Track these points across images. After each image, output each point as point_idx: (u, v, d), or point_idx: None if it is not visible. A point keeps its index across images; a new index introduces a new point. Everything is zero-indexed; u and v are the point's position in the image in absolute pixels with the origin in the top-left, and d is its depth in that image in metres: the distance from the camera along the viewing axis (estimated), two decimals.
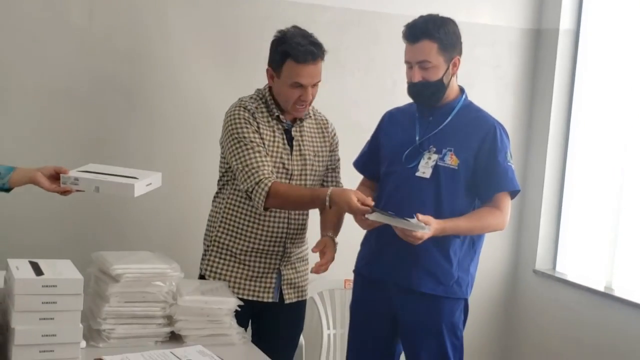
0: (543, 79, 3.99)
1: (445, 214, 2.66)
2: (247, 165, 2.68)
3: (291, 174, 2.80)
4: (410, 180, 2.73)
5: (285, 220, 2.82)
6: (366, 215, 2.60)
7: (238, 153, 2.70)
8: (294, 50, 2.67)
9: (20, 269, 2.14)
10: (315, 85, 2.74)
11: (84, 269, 2.32)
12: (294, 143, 2.82)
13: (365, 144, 3.03)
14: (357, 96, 3.71)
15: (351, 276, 3.16)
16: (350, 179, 3.54)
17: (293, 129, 2.83)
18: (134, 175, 2.47)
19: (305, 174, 2.83)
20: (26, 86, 3.15)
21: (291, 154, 2.80)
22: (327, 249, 2.74)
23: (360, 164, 3.02)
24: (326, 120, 2.96)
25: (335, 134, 2.97)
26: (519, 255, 4.12)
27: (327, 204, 2.60)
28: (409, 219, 2.53)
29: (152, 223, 3.36)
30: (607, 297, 3.61)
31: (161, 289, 2.39)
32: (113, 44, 3.25)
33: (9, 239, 3.12)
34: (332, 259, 2.75)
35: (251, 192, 2.67)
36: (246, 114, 2.74)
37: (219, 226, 2.86)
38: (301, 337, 3.47)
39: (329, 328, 3.68)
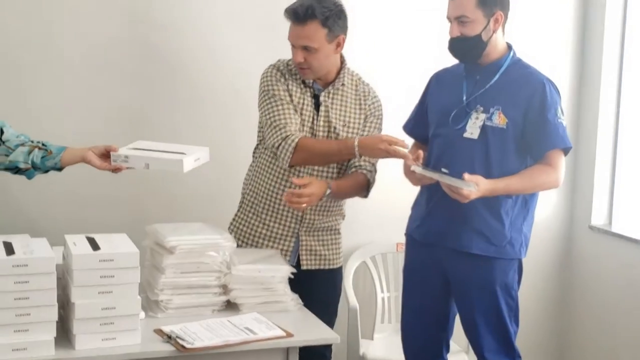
0: (593, 31, 3.88)
1: (495, 175, 2.63)
2: (275, 121, 2.74)
3: (315, 137, 2.80)
4: (458, 142, 2.70)
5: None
6: (412, 168, 2.61)
7: (268, 109, 2.77)
8: (287, 8, 2.72)
9: (78, 244, 2.19)
10: (308, 49, 2.69)
11: (139, 242, 2.37)
12: (322, 108, 2.80)
13: (414, 107, 3.00)
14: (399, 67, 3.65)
15: (403, 240, 3.15)
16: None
17: (323, 94, 2.81)
18: (182, 151, 2.50)
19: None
20: (71, 60, 3.19)
21: (317, 119, 2.80)
22: (310, 185, 2.64)
23: (409, 128, 3.00)
24: (369, 91, 2.91)
25: (376, 107, 2.91)
26: (573, 212, 4.05)
27: (356, 150, 2.64)
28: (460, 180, 2.52)
29: (203, 195, 3.39)
30: None
31: (215, 259, 2.43)
32: (155, 14, 3.26)
33: (65, 215, 3.19)
34: (310, 196, 2.63)
35: (277, 148, 2.71)
36: (278, 74, 2.80)
37: (249, 184, 2.92)
38: (355, 301, 3.50)
39: (382, 292, 3.70)
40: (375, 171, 2.92)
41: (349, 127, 2.83)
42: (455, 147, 2.71)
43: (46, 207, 3.19)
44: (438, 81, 2.90)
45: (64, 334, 2.17)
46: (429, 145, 2.85)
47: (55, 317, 2.09)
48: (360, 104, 2.87)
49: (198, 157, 2.53)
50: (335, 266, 2.96)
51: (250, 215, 2.90)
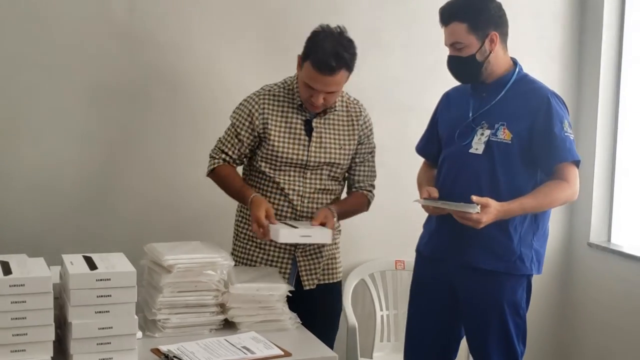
0: (589, 48, 3.90)
1: (502, 189, 2.63)
2: (220, 141, 2.87)
3: (306, 165, 2.80)
4: (464, 158, 2.71)
5: (291, 209, 2.82)
6: (415, 200, 2.70)
7: (226, 130, 2.87)
8: (314, 55, 2.66)
9: (75, 264, 2.18)
10: (331, 92, 2.72)
11: (137, 262, 2.36)
12: (314, 134, 2.80)
13: (426, 126, 3.02)
14: (398, 75, 3.68)
15: (402, 257, 3.16)
16: (398, 159, 3.53)
17: (315, 119, 2.81)
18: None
19: (322, 166, 2.83)
20: (74, 83, 3.20)
21: (309, 145, 2.80)
22: (327, 219, 2.71)
23: (420, 146, 3.03)
24: (360, 110, 2.92)
25: (367, 125, 2.92)
26: (572, 229, 4.05)
27: (248, 203, 2.72)
28: (464, 203, 2.52)
29: (203, 214, 3.39)
30: None
31: (213, 278, 2.42)
32: (154, 36, 3.27)
33: (63, 234, 3.19)
34: (333, 228, 2.74)
35: (209, 157, 2.88)
36: (251, 107, 2.81)
37: (239, 211, 2.95)
38: (354, 319, 3.49)
39: (381, 309, 3.69)
40: (374, 188, 2.97)
41: (343, 149, 2.85)
42: (462, 163, 2.72)
43: (43, 227, 3.19)
44: (448, 99, 2.93)
45: (61, 354, 2.15)
46: (439, 164, 2.87)
47: (52, 336, 2.08)
48: (353, 125, 2.88)
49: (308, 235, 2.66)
50: (335, 280, 2.97)
51: (246, 241, 2.90)
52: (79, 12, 3.17)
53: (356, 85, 3.58)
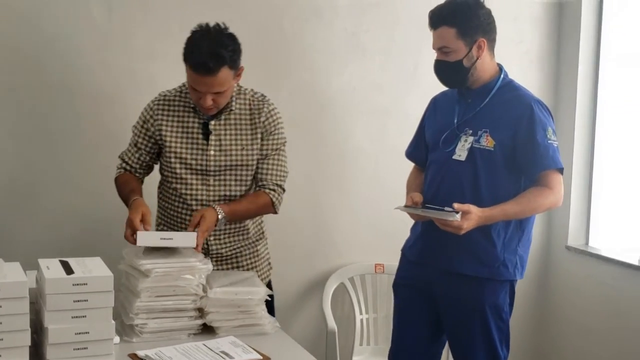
0: (568, 52, 3.93)
1: (484, 196, 2.64)
2: (123, 151, 2.83)
3: (207, 171, 2.71)
4: (448, 164, 2.73)
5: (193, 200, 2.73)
6: (395, 208, 2.69)
7: (130, 138, 2.82)
8: (191, 57, 2.56)
9: (51, 268, 2.16)
10: (219, 93, 2.59)
11: (114, 266, 2.34)
12: (213, 137, 2.69)
13: (415, 131, 3.03)
14: (378, 80, 3.68)
15: (381, 261, 3.16)
16: (377, 164, 3.54)
17: (212, 122, 2.70)
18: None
19: (225, 171, 2.72)
20: (49, 83, 3.17)
21: (207, 150, 2.70)
22: (202, 220, 2.54)
23: (409, 152, 3.04)
24: (261, 105, 2.76)
25: (271, 120, 2.75)
26: (550, 232, 4.08)
27: (129, 207, 2.62)
28: (447, 210, 2.53)
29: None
30: None
31: (191, 282, 2.40)
32: (131, 40, 3.26)
33: (39, 239, 3.16)
34: (206, 229, 2.55)
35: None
36: (147, 114, 2.76)
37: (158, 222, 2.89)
38: (333, 323, 3.49)
39: (361, 313, 3.68)
40: (282, 189, 2.79)
41: (246, 150, 2.72)
42: (446, 169, 2.74)
43: (19, 231, 3.16)
44: (435, 104, 2.94)
45: (37, 359, 2.13)
46: (426, 169, 2.88)
47: (28, 342, 2.05)
48: (255, 122, 2.74)
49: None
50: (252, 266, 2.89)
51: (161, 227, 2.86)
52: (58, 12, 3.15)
53: (336, 89, 3.60)
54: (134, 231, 2.49)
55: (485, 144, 2.67)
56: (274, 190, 2.76)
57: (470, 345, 2.75)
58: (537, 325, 4.11)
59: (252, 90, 2.79)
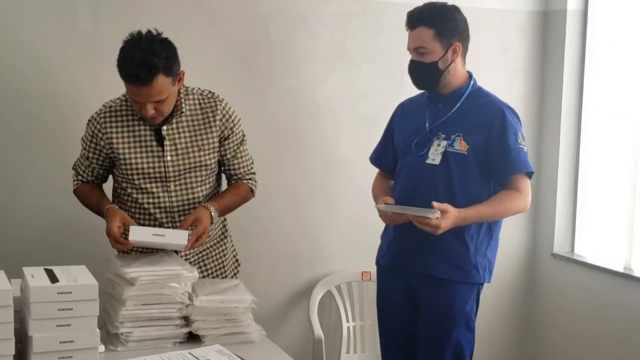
0: (553, 61, 3.95)
1: (459, 200, 2.66)
2: (75, 164, 2.78)
3: (166, 178, 2.65)
4: (421, 168, 2.75)
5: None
6: (375, 206, 2.72)
7: (80, 152, 2.76)
8: (124, 68, 2.48)
9: (35, 276, 2.14)
10: (160, 101, 2.51)
11: (99, 274, 2.33)
12: (167, 143, 2.63)
13: (380, 137, 3.04)
14: (364, 88, 3.69)
15: (368, 268, 3.15)
16: (364, 171, 3.54)
17: (164, 127, 2.63)
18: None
19: (185, 175, 2.67)
20: (33, 91, 3.16)
21: (163, 156, 2.64)
22: (197, 221, 2.55)
23: (374, 157, 3.06)
24: (215, 104, 2.69)
25: (227, 117, 2.70)
26: (536, 240, 4.09)
27: (104, 215, 2.58)
28: (424, 208, 2.56)
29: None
30: (627, 277, 3.57)
31: (177, 290, 2.39)
32: (117, 48, 3.24)
33: (24, 247, 3.14)
34: (204, 230, 2.55)
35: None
36: (93, 127, 2.67)
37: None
38: (320, 331, 3.48)
39: (348, 321, 3.68)
40: (254, 174, 2.83)
41: (203, 150, 2.67)
42: (419, 174, 2.76)
43: (4, 239, 3.13)
44: (403, 110, 2.96)
45: None
46: (396, 174, 2.89)
47: (13, 351, 2.04)
48: (209, 122, 2.68)
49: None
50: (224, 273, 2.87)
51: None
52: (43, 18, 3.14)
53: (322, 97, 3.60)
54: (116, 240, 2.49)
55: (458, 148, 2.70)
56: (249, 178, 2.82)
57: (437, 349, 2.76)
58: (524, 331, 4.11)
59: (199, 88, 2.73)
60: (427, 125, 2.78)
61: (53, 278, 2.13)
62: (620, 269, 3.63)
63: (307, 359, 3.50)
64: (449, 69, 2.72)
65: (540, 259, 4.07)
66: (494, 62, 3.87)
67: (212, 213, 2.61)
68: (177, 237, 2.48)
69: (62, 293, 2.08)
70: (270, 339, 2.56)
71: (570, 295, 3.89)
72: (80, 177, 2.77)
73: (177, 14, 3.32)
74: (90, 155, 2.71)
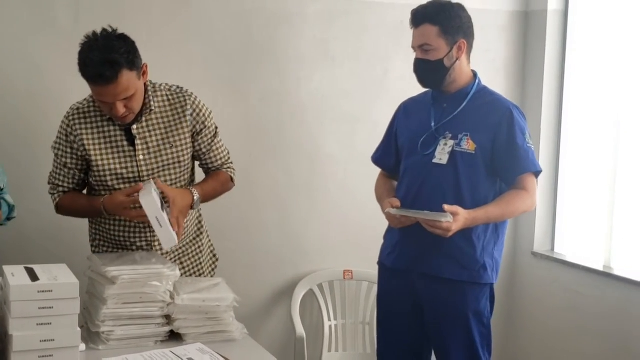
0: (533, 61, 3.98)
1: (466, 199, 2.66)
2: (51, 176, 2.69)
3: (140, 177, 2.61)
4: (428, 168, 2.73)
5: (138, 233, 2.69)
6: (387, 210, 2.67)
7: (53, 164, 2.69)
8: (86, 69, 2.44)
9: (16, 275, 2.13)
10: (128, 98, 2.47)
11: (80, 273, 2.32)
12: (139, 142, 2.59)
13: (382, 138, 3.02)
14: (348, 86, 3.70)
15: (350, 267, 3.16)
16: (346, 170, 3.55)
17: (134, 126, 2.59)
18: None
19: (159, 173, 2.63)
20: (15, 90, 3.14)
21: (135, 156, 2.61)
22: (171, 204, 2.49)
23: (376, 157, 3.03)
24: (185, 99, 2.65)
25: (198, 112, 2.67)
26: (517, 238, 4.12)
27: (102, 210, 2.55)
28: (436, 212, 2.54)
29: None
30: (606, 276, 3.61)
31: (158, 289, 2.39)
32: None
33: (4, 246, 3.12)
34: (179, 213, 2.50)
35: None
36: (65, 131, 2.62)
37: (95, 232, 2.81)
38: (302, 330, 3.49)
39: (330, 320, 3.69)
40: (232, 163, 2.83)
41: (176, 147, 2.64)
42: (426, 174, 2.74)
43: None
44: (406, 110, 2.93)
45: None
46: (400, 173, 2.87)
47: None
48: (180, 118, 2.65)
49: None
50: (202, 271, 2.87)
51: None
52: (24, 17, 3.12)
53: (305, 95, 3.61)
54: (130, 203, 2.45)
55: (466, 147, 2.68)
56: (228, 168, 2.81)
57: (452, 350, 2.76)
58: (504, 329, 4.14)
59: (166, 84, 2.69)
60: (432, 124, 2.76)
61: (34, 276, 2.12)
62: (600, 268, 3.67)
63: (289, 357, 3.51)
64: (454, 66, 2.70)
65: (520, 257, 4.10)
66: (475, 62, 3.82)
67: (195, 197, 2.60)
68: (167, 239, 2.43)
69: (43, 292, 2.07)
70: (252, 337, 2.56)
71: (550, 293, 3.92)
72: (60, 189, 2.68)
73: (159, 13, 3.31)
74: (68, 161, 2.64)
